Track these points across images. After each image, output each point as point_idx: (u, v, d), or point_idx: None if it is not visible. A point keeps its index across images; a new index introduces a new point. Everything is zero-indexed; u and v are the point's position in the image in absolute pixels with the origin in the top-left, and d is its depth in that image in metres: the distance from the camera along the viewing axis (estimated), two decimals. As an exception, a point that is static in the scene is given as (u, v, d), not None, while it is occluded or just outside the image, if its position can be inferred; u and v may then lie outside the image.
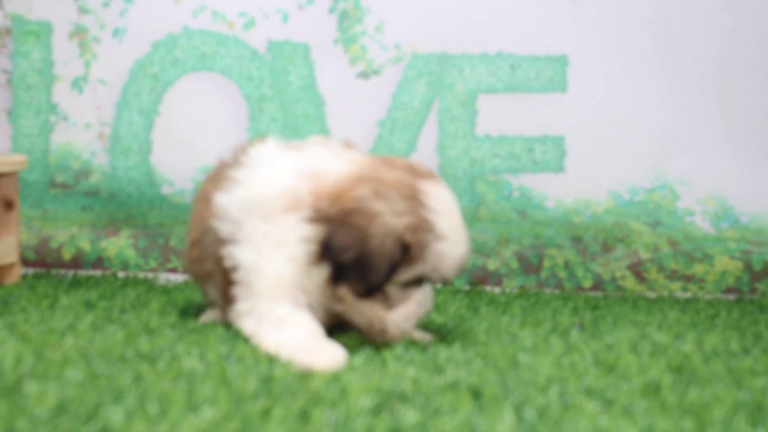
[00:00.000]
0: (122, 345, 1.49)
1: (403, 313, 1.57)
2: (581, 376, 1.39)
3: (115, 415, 1.08)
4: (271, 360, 1.44)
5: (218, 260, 1.66)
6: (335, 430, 1.09)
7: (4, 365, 1.30)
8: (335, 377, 1.33)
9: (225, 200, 1.65)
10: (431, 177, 1.61)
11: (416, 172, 1.61)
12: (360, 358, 1.48)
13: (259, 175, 1.63)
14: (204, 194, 1.76)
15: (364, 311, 1.55)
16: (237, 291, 1.61)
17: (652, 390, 1.32)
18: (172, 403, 1.15)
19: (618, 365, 1.49)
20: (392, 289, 1.60)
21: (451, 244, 1.57)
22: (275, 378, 1.30)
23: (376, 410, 1.18)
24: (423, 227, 1.56)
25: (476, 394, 1.26)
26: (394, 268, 1.54)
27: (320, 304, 1.61)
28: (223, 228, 1.63)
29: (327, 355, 1.44)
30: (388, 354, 1.51)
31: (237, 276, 1.61)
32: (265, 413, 1.14)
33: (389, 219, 1.53)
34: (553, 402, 1.22)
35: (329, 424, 1.10)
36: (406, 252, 1.55)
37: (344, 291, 1.55)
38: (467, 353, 1.55)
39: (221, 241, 1.64)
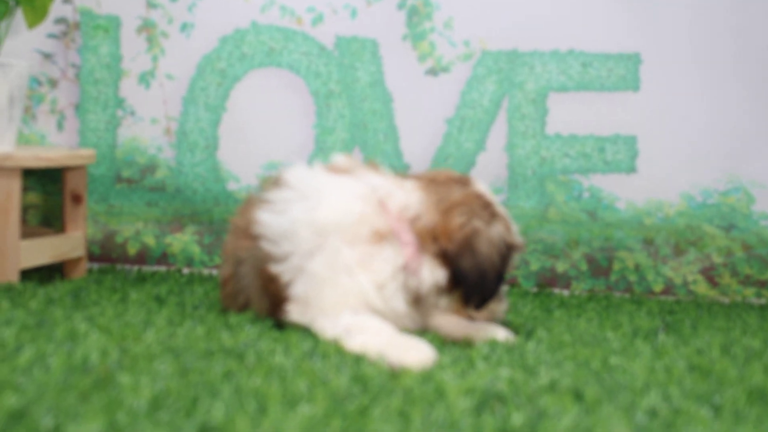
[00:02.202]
0: (204, 340, 1.46)
1: (506, 302, 1.78)
2: (680, 381, 1.34)
3: (215, 410, 1.05)
4: (358, 358, 1.41)
5: (265, 282, 1.63)
6: (441, 430, 1.05)
7: (91, 358, 1.28)
8: (428, 376, 1.29)
9: (277, 219, 1.62)
10: (472, 179, 1.71)
11: (464, 181, 1.68)
12: (447, 358, 1.44)
13: (328, 199, 1.61)
14: (234, 227, 1.77)
15: (480, 313, 1.70)
16: (291, 308, 1.59)
17: (758, 396, 1.27)
18: (269, 399, 1.12)
19: (714, 370, 1.43)
20: None
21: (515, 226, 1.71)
22: (366, 376, 1.27)
23: (478, 410, 1.14)
24: (509, 224, 1.68)
25: (578, 396, 1.21)
26: (504, 272, 1.66)
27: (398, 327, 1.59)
28: (276, 247, 1.61)
29: (417, 351, 1.41)
30: (474, 353, 1.47)
31: (293, 291, 1.58)
32: (364, 412, 1.11)
33: (491, 231, 1.62)
34: (660, 406, 1.18)
35: (435, 424, 1.06)
36: (512, 251, 1.67)
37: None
38: (556, 355, 1.50)
39: (270, 259, 1.61)
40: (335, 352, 1.44)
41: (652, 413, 1.14)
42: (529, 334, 1.71)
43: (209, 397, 1.11)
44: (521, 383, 1.26)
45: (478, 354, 1.47)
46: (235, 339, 1.47)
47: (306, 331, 1.56)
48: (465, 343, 1.60)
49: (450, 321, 1.64)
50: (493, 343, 1.56)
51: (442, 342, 1.60)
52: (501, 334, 1.63)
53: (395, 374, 1.30)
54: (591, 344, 1.63)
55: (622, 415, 1.12)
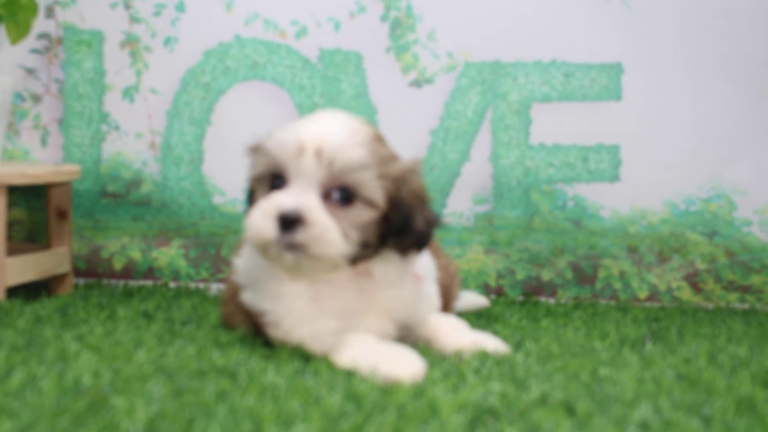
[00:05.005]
0: (196, 359, 1.46)
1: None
2: (669, 392, 1.36)
3: (211, 432, 1.05)
4: (349, 374, 1.41)
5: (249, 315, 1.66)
6: (436, 448, 1.06)
7: (84, 380, 1.28)
8: (420, 391, 1.30)
9: (239, 261, 1.68)
10: None
11: None
12: (437, 371, 1.45)
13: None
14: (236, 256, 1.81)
15: None
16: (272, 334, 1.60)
17: (747, 407, 1.28)
18: (264, 419, 1.12)
19: (701, 380, 1.45)
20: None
21: (288, 129, 1.52)
22: (359, 393, 1.27)
23: (471, 426, 1.15)
24: (267, 135, 1.57)
25: (570, 410, 1.22)
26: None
27: (359, 313, 1.57)
28: (240, 278, 1.66)
29: (408, 363, 1.41)
30: (464, 367, 1.48)
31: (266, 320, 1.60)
32: (359, 430, 1.11)
33: None
34: (651, 419, 1.19)
35: (430, 442, 1.07)
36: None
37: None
38: (545, 367, 1.51)
39: (241, 289, 1.66)
40: (326, 368, 1.44)
41: (644, 426, 1.16)
42: (517, 346, 1.72)
43: (205, 419, 1.11)
44: (513, 397, 1.27)
45: (469, 367, 1.48)
46: (227, 358, 1.47)
47: (295, 349, 1.56)
48: (455, 356, 1.60)
49: (440, 334, 1.65)
50: (482, 356, 1.57)
51: (430, 354, 1.60)
52: (491, 344, 1.63)
53: (388, 390, 1.31)
54: (579, 355, 1.64)
55: (614, 429, 1.13)
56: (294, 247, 1.47)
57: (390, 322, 1.59)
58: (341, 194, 1.49)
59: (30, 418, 1.07)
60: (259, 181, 1.56)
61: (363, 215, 1.50)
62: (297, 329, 1.54)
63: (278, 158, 1.50)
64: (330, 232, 1.47)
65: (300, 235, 1.46)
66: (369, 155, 1.50)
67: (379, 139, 1.55)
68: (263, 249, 1.50)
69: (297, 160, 1.48)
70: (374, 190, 1.50)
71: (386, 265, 1.58)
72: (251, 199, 1.59)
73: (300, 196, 1.48)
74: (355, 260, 1.53)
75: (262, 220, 1.48)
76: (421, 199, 1.55)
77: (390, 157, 1.54)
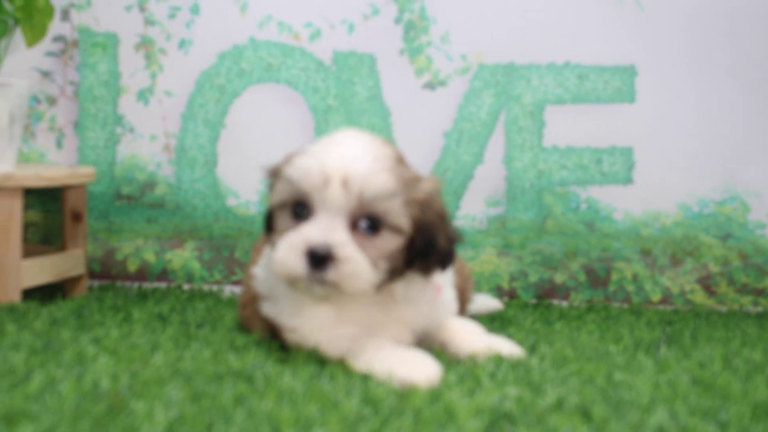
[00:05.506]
0: (212, 363, 1.47)
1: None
2: (685, 397, 1.36)
3: (231, 436, 1.06)
4: (366, 378, 1.42)
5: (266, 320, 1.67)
6: (454, 453, 1.06)
7: (102, 383, 1.28)
8: (436, 396, 1.31)
9: (257, 270, 1.68)
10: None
11: None
12: (452, 375, 1.46)
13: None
14: (252, 261, 1.81)
15: None
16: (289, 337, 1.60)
17: (763, 412, 1.28)
18: (283, 424, 1.13)
19: (717, 385, 1.45)
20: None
21: (310, 155, 1.47)
22: (376, 397, 1.28)
23: (488, 431, 1.15)
24: (286, 159, 1.55)
25: (586, 414, 1.23)
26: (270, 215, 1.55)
27: (378, 323, 1.58)
28: (259, 288, 1.66)
29: (424, 367, 1.42)
30: (479, 371, 1.49)
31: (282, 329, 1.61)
32: (376, 435, 1.12)
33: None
34: (667, 424, 1.19)
35: (447, 448, 1.07)
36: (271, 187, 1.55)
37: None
38: (560, 371, 1.51)
39: (260, 298, 1.67)
40: (342, 373, 1.45)
41: (661, 432, 1.16)
42: (531, 349, 1.73)
43: (223, 423, 1.12)
44: (529, 402, 1.27)
45: (484, 371, 1.48)
46: (243, 361, 1.48)
47: (310, 354, 1.57)
48: (470, 360, 1.61)
49: (456, 338, 1.65)
50: (497, 359, 1.57)
51: (444, 357, 1.61)
52: (506, 348, 1.63)
53: (404, 395, 1.31)
54: (594, 359, 1.64)
55: (631, 435, 1.13)
56: (325, 283, 1.45)
57: (408, 332, 1.60)
58: (368, 223, 1.47)
59: (50, 422, 1.08)
60: (280, 208, 1.51)
61: (391, 243, 1.48)
62: (315, 334, 1.55)
63: (302, 187, 1.45)
64: (361, 267, 1.44)
65: (331, 273, 1.43)
66: (395, 182, 1.46)
67: (401, 161, 1.52)
68: (292, 283, 1.47)
69: (323, 191, 1.44)
70: (401, 217, 1.47)
71: (408, 285, 1.57)
72: (270, 224, 1.55)
73: (328, 229, 1.44)
74: (381, 285, 1.52)
75: (290, 255, 1.44)
76: (442, 218, 1.54)
77: (414, 180, 1.51)
